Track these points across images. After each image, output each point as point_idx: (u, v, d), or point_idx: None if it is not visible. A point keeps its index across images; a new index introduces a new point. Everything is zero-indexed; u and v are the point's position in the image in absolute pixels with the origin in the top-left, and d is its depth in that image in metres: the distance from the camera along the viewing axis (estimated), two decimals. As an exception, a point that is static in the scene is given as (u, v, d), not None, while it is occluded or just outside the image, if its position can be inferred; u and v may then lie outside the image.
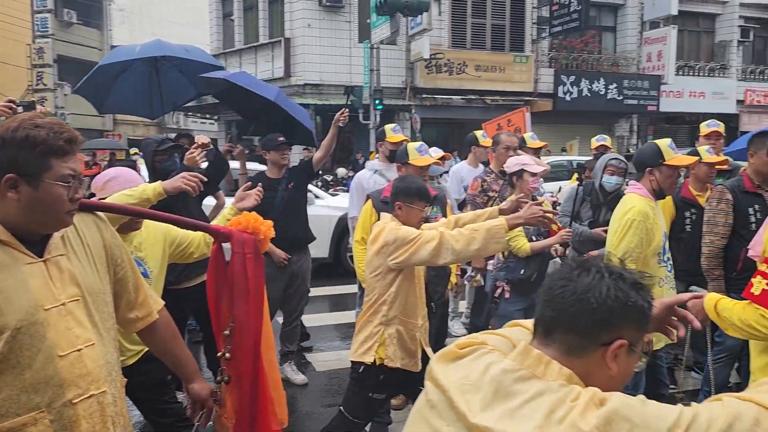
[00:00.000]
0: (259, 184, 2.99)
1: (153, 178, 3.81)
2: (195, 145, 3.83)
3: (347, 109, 4.74)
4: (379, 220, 3.78)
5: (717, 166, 4.27)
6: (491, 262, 4.33)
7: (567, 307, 1.10)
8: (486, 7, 17.82)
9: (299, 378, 4.62)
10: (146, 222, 2.77)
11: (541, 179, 4.35)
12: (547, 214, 2.77)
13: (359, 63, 15.97)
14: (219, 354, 2.03)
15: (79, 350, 1.57)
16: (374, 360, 2.91)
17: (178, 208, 3.60)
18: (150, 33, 35.20)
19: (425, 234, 2.74)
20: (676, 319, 1.44)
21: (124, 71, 5.60)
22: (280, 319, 4.77)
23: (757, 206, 3.69)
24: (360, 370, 2.95)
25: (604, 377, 1.11)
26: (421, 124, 16.29)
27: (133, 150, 13.83)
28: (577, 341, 1.11)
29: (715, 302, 2.12)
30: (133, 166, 4.97)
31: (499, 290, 4.09)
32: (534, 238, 3.93)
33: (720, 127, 5.02)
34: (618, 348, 1.10)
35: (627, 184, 3.51)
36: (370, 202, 3.95)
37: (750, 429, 0.98)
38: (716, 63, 20.72)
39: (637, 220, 3.00)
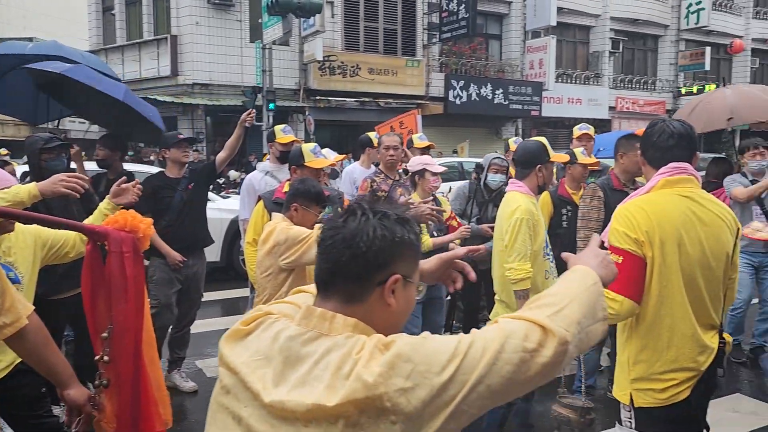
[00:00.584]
0: (136, 179, 2.83)
1: (38, 178, 3.49)
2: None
3: (254, 110, 4.58)
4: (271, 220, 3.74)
5: (590, 167, 4.58)
6: None
7: (339, 256, 1.10)
8: (378, 12, 18.08)
9: (188, 385, 4.44)
10: (17, 225, 2.55)
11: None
12: (439, 212, 2.82)
13: (251, 63, 15.65)
14: (97, 357, 1.95)
15: None
16: None
17: (54, 207, 3.38)
18: (21, 26, 32.62)
19: (317, 233, 2.72)
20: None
21: (10, 71, 5.09)
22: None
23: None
24: None
25: (387, 315, 1.12)
26: (315, 126, 16.22)
27: (3, 150, 12.70)
28: (356, 287, 1.11)
29: None
30: (2, 166, 4.56)
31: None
32: (435, 234, 4.06)
33: (590, 130, 5.44)
34: (394, 283, 1.11)
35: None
36: (261, 203, 3.88)
37: (520, 344, 1.05)
38: (591, 72, 22.29)
39: (525, 218, 3.14)
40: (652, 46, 24.30)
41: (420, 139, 5.57)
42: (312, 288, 1.24)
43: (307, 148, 3.84)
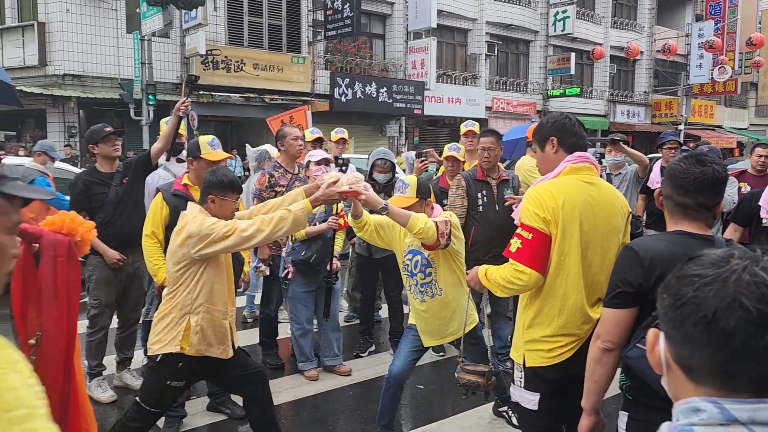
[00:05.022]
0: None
1: None
2: None
3: (188, 98, 4.37)
4: (169, 213, 3.81)
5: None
6: (285, 249, 4.65)
7: None
8: (263, 7, 17.95)
9: (107, 395, 4.26)
10: None
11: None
12: (345, 193, 2.99)
13: (129, 55, 15.00)
14: None
15: None
16: (179, 350, 2.92)
17: None
18: None
19: (231, 223, 2.86)
20: None
21: None
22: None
23: (485, 191, 4.52)
24: (157, 360, 2.97)
25: None
26: (198, 122, 15.86)
27: None
28: None
29: (486, 270, 2.57)
30: None
31: (285, 272, 4.52)
32: (317, 224, 4.32)
33: (475, 126, 5.85)
34: None
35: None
36: (160, 195, 3.92)
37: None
38: (469, 73, 23.43)
39: None
40: (524, 50, 25.92)
41: (312, 133, 5.81)
42: None
43: (204, 140, 3.88)
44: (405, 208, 3.23)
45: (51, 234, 1.95)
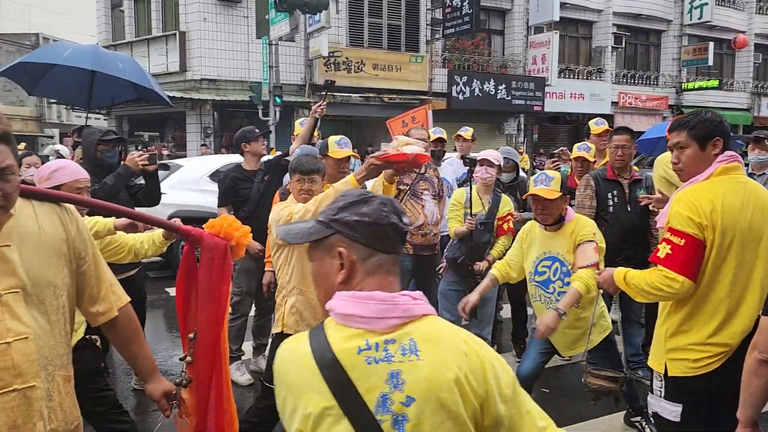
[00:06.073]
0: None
1: (93, 168, 3.75)
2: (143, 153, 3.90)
3: (325, 101, 4.60)
4: None
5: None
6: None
7: None
8: (382, 8, 18.26)
9: (244, 378, 4.56)
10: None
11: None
12: (386, 157, 2.70)
13: (258, 59, 15.84)
14: (181, 357, 2.06)
15: (7, 343, 1.55)
16: (281, 330, 3.09)
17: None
18: (28, 23, 32.79)
19: (296, 206, 2.99)
20: None
21: (54, 66, 5.40)
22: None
23: (615, 191, 4.30)
24: (272, 340, 3.21)
25: None
26: (321, 121, 16.41)
27: (22, 145, 12.88)
28: None
29: (624, 274, 2.45)
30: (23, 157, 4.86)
31: (440, 267, 4.52)
32: (479, 225, 4.24)
33: (606, 125, 5.55)
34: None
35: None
36: (278, 192, 4.17)
37: None
38: (593, 67, 22.41)
39: None
40: (655, 41, 24.39)
41: (434, 132, 5.83)
42: None
43: (333, 139, 3.97)
44: (549, 200, 3.20)
45: (210, 237, 2.03)
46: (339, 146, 3.96)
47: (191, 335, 2.02)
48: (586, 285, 3.04)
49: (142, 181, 4.25)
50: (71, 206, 1.81)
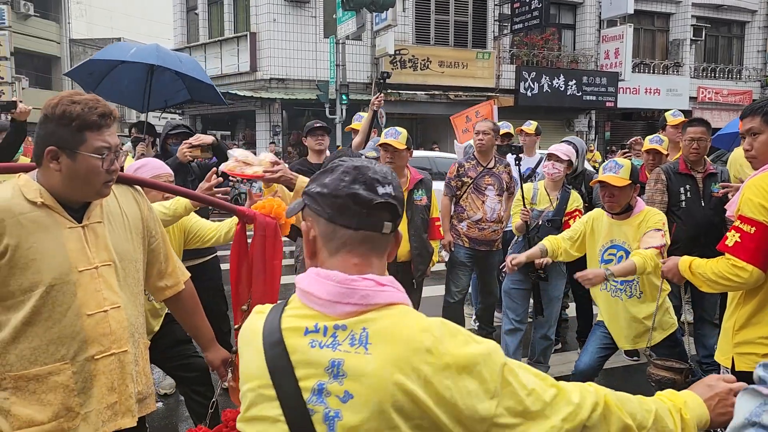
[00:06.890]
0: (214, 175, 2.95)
1: (164, 156, 4.15)
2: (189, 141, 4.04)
3: (382, 93, 4.74)
4: None
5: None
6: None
7: None
8: (449, 4, 18.14)
9: None
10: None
11: None
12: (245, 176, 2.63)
13: (325, 58, 16.10)
14: (236, 326, 2.17)
15: (105, 311, 1.72)
16: None
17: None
18: (108, 26, 34.57)
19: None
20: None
21: (117, 66, 5.71)
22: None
23: (688, 186, 4.10)
24: None
25: None
26: (386, 119, 16.52)
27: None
28: None
29: (689, 263, 2.38)
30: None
31: (503, 265, 4.41)
32: (546, 222, 4.16)
33: (683, 117, 5.29)
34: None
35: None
36: None
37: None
38: (670, 61, 21.47)
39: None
40: (737, 33, 23.11)
41: (502, 127, 5.76)
42: None
43: (384, 131, 4.10)
44: (618, 188, 3.12)
45: (262, 216, 2.22)
46: (386, 136, 3.97)
47: (244, 306, 2.14)
48: (643, 261, 2.94)
49: (214, 158, 4.41)
50: (140, 188, 1.99)
